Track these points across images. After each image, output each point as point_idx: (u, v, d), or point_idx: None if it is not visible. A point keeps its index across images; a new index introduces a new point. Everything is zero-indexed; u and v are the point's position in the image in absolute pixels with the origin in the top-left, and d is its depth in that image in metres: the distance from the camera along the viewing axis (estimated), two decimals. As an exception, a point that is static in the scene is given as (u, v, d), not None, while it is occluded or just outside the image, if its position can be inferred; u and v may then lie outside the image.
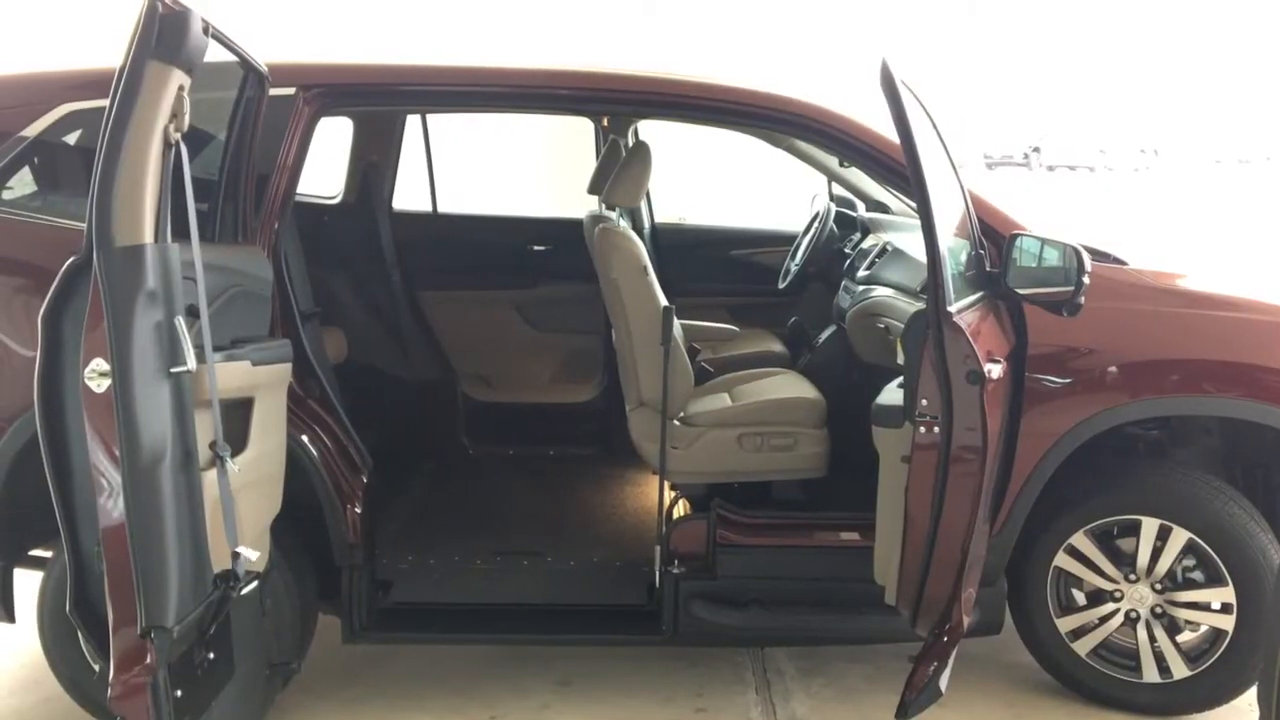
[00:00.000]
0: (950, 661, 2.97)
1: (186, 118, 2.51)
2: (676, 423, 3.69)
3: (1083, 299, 3.03)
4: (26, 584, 3.40)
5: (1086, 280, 3.00)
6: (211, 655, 2.72)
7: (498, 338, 5.12)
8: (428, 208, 5.40)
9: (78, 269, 2.45)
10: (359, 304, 4.81)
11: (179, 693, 2.53)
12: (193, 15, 2.48)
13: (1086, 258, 3.03)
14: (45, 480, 2.55)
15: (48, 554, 3.42)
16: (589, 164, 4.89)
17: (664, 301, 3.67)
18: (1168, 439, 3.64)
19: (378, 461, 3.55)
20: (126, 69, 2.40)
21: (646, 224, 5.36)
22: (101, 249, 2.36)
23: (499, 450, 5.00)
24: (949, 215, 3.06)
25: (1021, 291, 3.14)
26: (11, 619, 3.36)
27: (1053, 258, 3.13)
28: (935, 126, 3.17)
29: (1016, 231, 3.20)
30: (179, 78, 2.47)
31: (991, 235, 3.29)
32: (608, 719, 3.55)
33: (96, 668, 3.04)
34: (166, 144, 2.47)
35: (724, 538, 3.52)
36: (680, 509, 3.80)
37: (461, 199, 5.83)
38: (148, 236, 2.42)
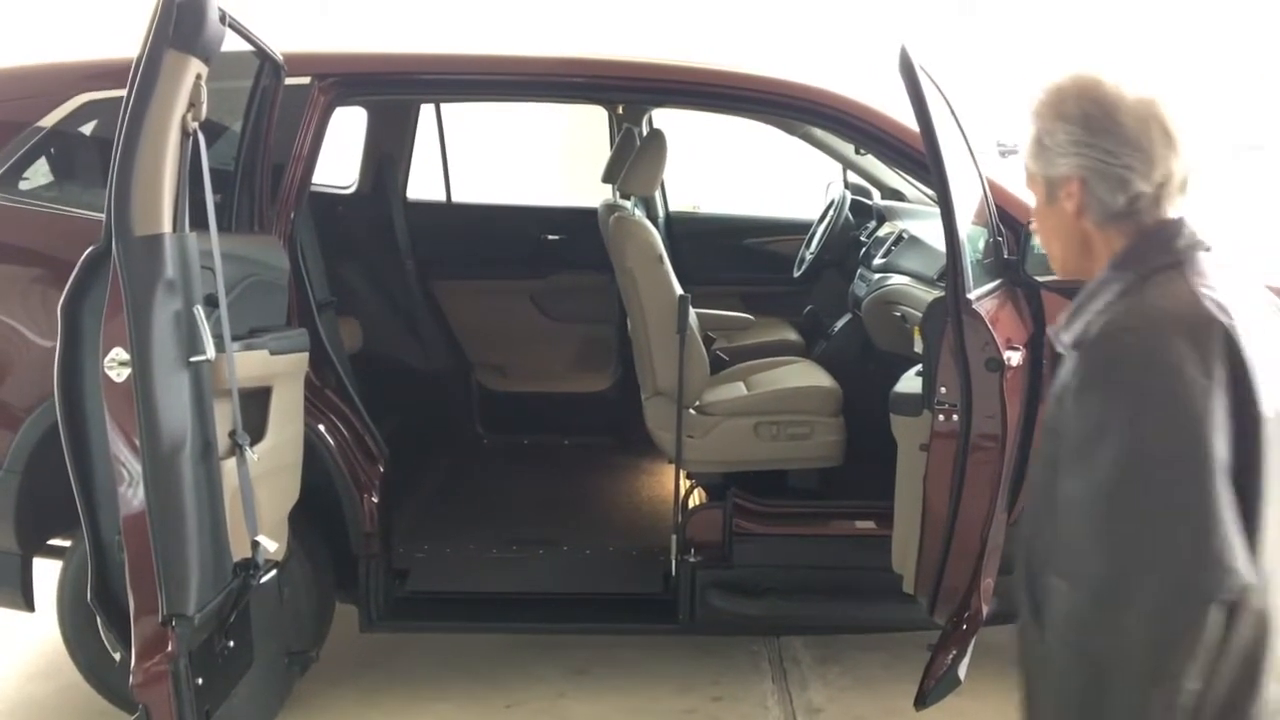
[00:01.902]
0: (969, 650, 2.96)
1: (204, 107, 2.50)
2: (692, 412, 3.69)
3: (1101, 286, 3.00)
4: (46, 573, 3.42)
5: (1106, 267, 2.98)
6: (231, 643, 2.73)
7: (512, 327, 5.12)
8: (442, 197, 5.40)
9: (97, 259, 2.46)
10: (373, 293, 4.81)
11: (200, 680, 2.54)
12: (210, 4, 2.47)
13: (1106, 245, 3.00)
14: (64, 469, 2.56)
15: (66, 543, 3.44)
16: (603, 153, 4.88)
17: (679, 290, 3.67)
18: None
19: (393, 451, 3.55)
20: (144, 58, 2.40)
21: (660, 213, 5.35)
22: (120, 238, 2.37)
23: (514, 439, 5.00)
24: (967, 202, 3.04)
25: (1040, 279, 3.12)
26: (31, 608, 3.37)
27: (1071, 245, 3.11)
28: (954, 113, 3.15)
29: (1035, 219, 3.17)
30: (196, 67, 2.46)
31: (1009, 222, 3.26)
32: (623, 707, 3.55)
33: (116, 656, 3.06)
34: (184, 133, 2.46)
35: (740, 526, 3.51)
36: (696, 498, 3.79)
37: (475, 188, 5.82)
38: (166, 226, 2.42)
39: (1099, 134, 1.56)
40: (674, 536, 3.52)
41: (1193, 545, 1.40)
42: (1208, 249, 1.58)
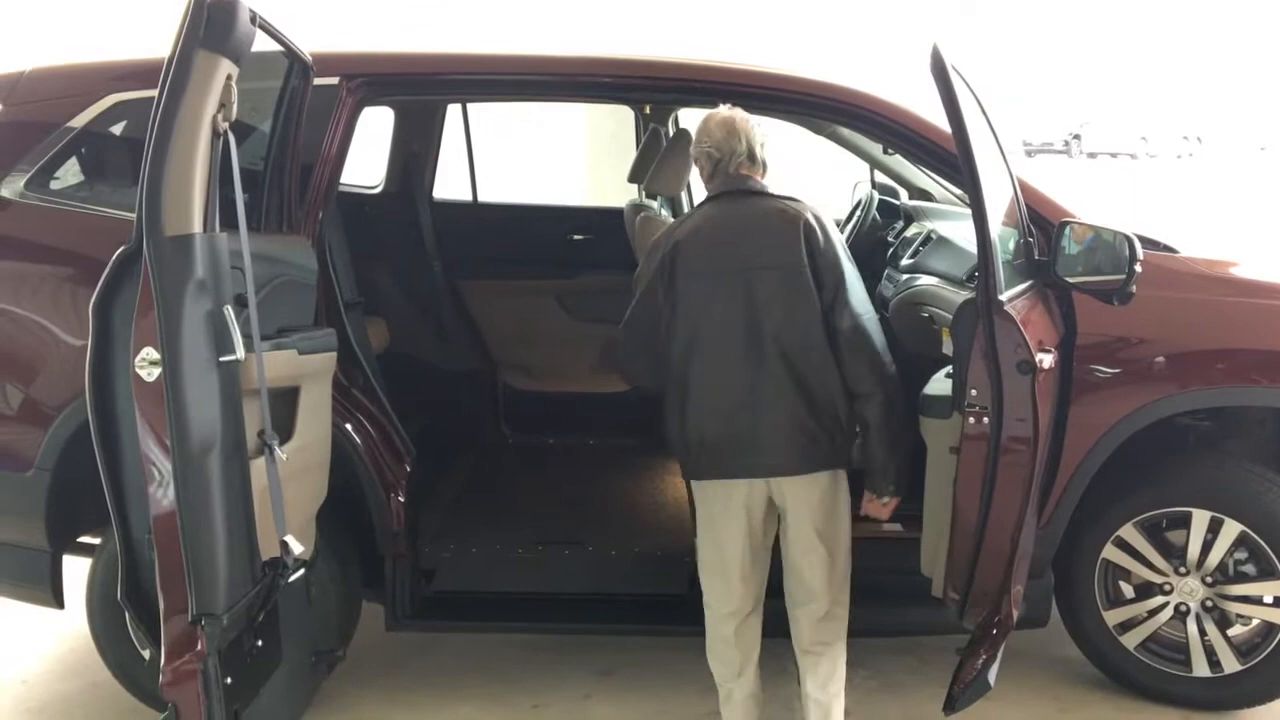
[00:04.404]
0: (999, 655, 2.94)
1: (234, 107, 2.51)
2: (718, 413, 3.66)
3: (1134, 287, 2.98)
4: (75, 571, 3.44)
5: (1138, 268, 2.95)
6: (260, 643, 2.74)
7: (538, 327, 5.11)
8: (468, 197, 5.40)
9: (127, 258, 2.47)
10: (400, 293, 4.82)
11: (229, 679, 2.55)
12: (240, 5, 2.48)
13: (1138, 245, 2.98)
14: (95, 468, 2.58)
15: (96, 541, 3.46)
16: (629, 152, 4.87)
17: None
18: (1219, 430, 3.58)
19: (419, 450, 3.55)
20: (175, 59, 2.41)
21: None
22: (151, 238, 2.37)
23: (539, 439, 5.00)
24: (998, 202, 3.02)
25: (1071, 280, 3.09)
26: (61, 605, 3.40)
27: (1103, 245, 3.08)
28: (984, 112, 3.12)
29: (1066, 219, 3.15)
30: (227, 67, 2.47)
31: (1040, 223, 3.24)
32: (649, 709, 3.55)
33: (145, 654, 3.08)
34: (215, 133, 2.47)
35: (765, 528, 3.49)
36: (722, 499, 3.77)
37: (502, 188, 5.83)
38: (197, 226, 2.43)
39: (702, 133, 2.95)
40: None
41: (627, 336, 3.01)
42: (749, 190, 2.93)
